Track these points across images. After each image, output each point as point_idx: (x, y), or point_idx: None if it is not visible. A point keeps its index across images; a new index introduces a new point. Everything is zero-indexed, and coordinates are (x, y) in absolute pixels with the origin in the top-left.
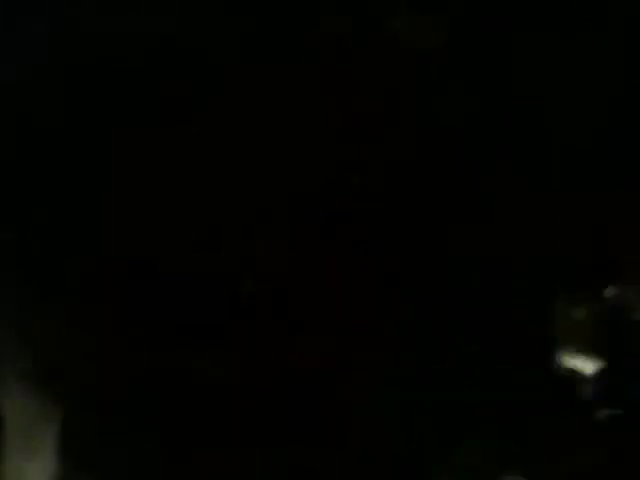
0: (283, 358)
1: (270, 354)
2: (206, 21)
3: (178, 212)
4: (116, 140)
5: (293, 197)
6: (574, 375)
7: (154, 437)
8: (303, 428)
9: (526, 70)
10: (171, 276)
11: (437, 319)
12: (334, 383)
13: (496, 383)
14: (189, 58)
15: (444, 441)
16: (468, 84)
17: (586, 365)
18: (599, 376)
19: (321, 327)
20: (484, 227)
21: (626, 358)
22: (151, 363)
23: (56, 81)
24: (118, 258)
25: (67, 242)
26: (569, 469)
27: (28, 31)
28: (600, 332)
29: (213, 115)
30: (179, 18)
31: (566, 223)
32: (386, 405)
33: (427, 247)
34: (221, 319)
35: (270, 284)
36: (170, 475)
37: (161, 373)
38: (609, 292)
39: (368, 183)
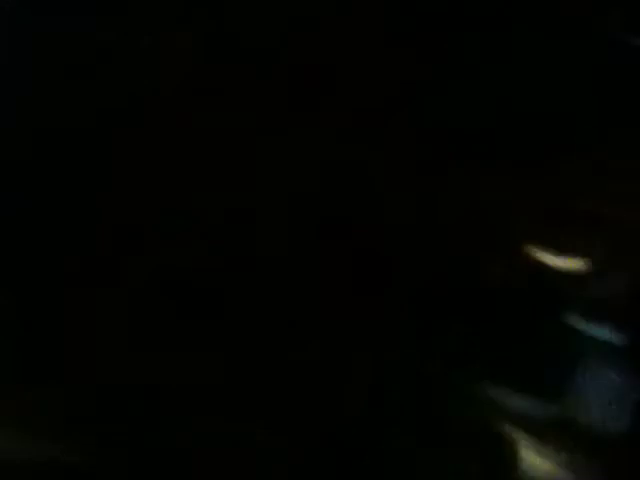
0: (282, 359)
1: (269, 355)
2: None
3: (176, 215)
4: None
5: (292, 199)
6: None
7: (154, 438)
8: (303, 428)
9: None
10: (172, 280)
11: (437, 319)
12: (333, 383)
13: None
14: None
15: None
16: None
17: None
18: None
19: (320, 328)
20: (483, 227)
21: None
22: (151, 363)
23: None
24: (119, 260)
25: (66, 243)
26: None
27: None
28: None
29: (212, 115)
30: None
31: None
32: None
33: (427, 247)
34: (219, 320)
35: (270, 285)
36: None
37: (161, 374)
38: None
39: (366, 184)
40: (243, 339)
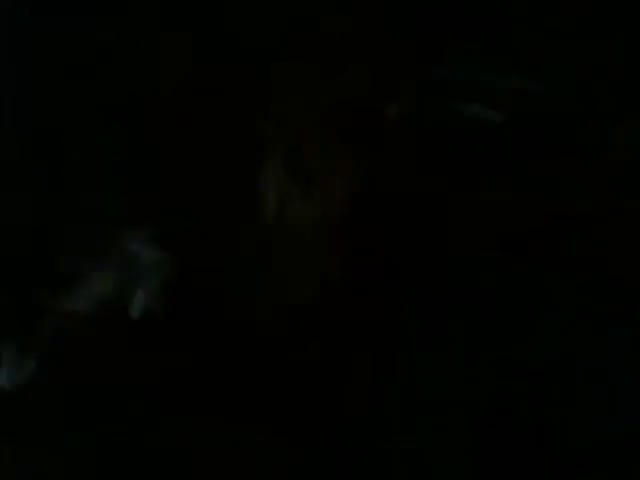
0: (282, 359)
1: (269, 356)
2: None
3: (176, 215)
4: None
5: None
6: None
7: (154, 438)
8: (303, 428)
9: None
10: (171, 280)
11: (437, 319)
12: (333, 383)
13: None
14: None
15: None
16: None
17: None
18: None
19: (320, 328)
20: (483, 227)
21: None
22: (151, 363)
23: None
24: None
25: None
26: None
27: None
28: None
29: (212, 115)
30: None
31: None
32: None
33: (427, 247)
34: (220, 320)
35: (270, 285)
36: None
37: (161, 374)
38: None
39: (366, 184)
40: (243, 339)
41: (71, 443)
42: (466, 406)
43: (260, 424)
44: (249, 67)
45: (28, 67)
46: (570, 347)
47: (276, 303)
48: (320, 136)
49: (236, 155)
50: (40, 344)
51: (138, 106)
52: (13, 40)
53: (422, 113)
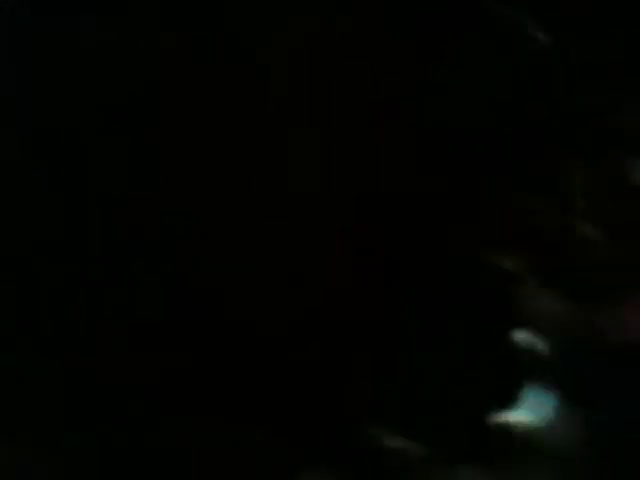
0: (282, 359)
1: (269, 356)
2: None
3: (176, 215)
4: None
5: (292, 197)
6: None
7: (154, 438)
8: (303, 428)
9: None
10: (171, 280)
11: (437, 319)
12: (333, 383)
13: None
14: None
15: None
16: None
17: None
18: None
19: (320, 328)
20: (483, 227)
21: None
22: (151, 363)
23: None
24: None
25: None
26: None
27: None
28: None
29: (211, 115)
30: None
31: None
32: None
33: (427, 247)
34: (220, 320)
35: (270, 285)
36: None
37: (161, 374)
38: None
39: (366, 184)
40: (243, 339)
41: (71, 443)
42: (466, 406)
43: (260, 424)
44: (249, 67)
45: (28, 67)
46: (570, 347)
47: (276, 303)
48: (321, 136)
49: (236, 155)
50: None
51: (138, 106)
52: (13, 40)
53: (422, 113)
